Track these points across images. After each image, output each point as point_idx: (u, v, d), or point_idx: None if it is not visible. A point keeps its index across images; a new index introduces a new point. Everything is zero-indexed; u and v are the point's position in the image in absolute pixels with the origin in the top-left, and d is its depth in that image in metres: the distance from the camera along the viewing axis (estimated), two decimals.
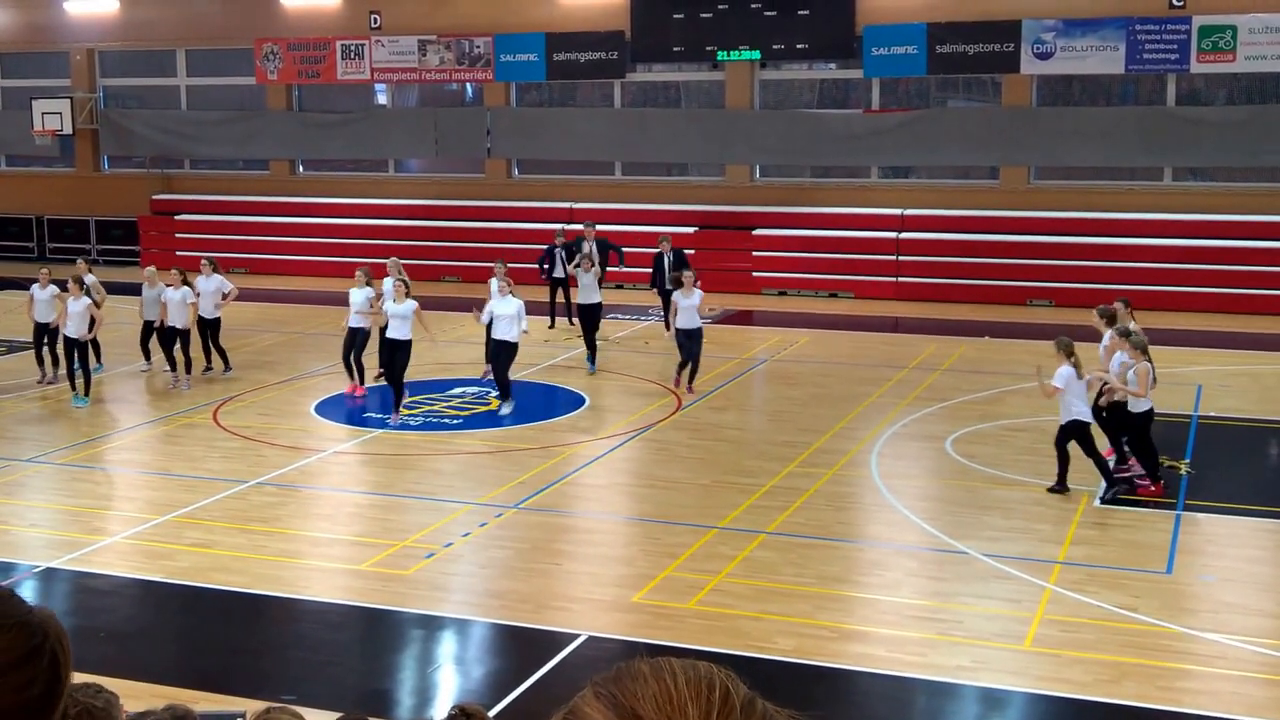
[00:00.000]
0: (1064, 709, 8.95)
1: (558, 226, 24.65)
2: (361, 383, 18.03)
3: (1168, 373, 19.01)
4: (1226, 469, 14.59)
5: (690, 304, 17.88)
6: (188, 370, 18.83)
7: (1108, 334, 14.02)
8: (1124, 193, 25.95)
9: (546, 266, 22.32)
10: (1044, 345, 21.17)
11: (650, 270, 21.85)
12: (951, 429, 16.01)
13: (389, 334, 16.90)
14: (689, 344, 17.90)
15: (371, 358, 18.12)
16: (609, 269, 22.34)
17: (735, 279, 26.31)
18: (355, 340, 17.92)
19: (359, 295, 17.89)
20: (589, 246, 21.65)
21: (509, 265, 18.34)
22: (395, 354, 16.79)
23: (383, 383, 17.57)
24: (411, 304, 16.88)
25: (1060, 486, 13.30)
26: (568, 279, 21.87)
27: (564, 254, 22.13)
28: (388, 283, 18.13)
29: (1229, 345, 21.23)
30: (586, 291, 19.64)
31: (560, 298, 22.65)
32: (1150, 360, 13.27)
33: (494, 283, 17.98)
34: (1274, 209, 24.77)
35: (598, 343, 19.72)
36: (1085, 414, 13.18)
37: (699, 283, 18.45)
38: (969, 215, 26.41)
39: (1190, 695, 9.02)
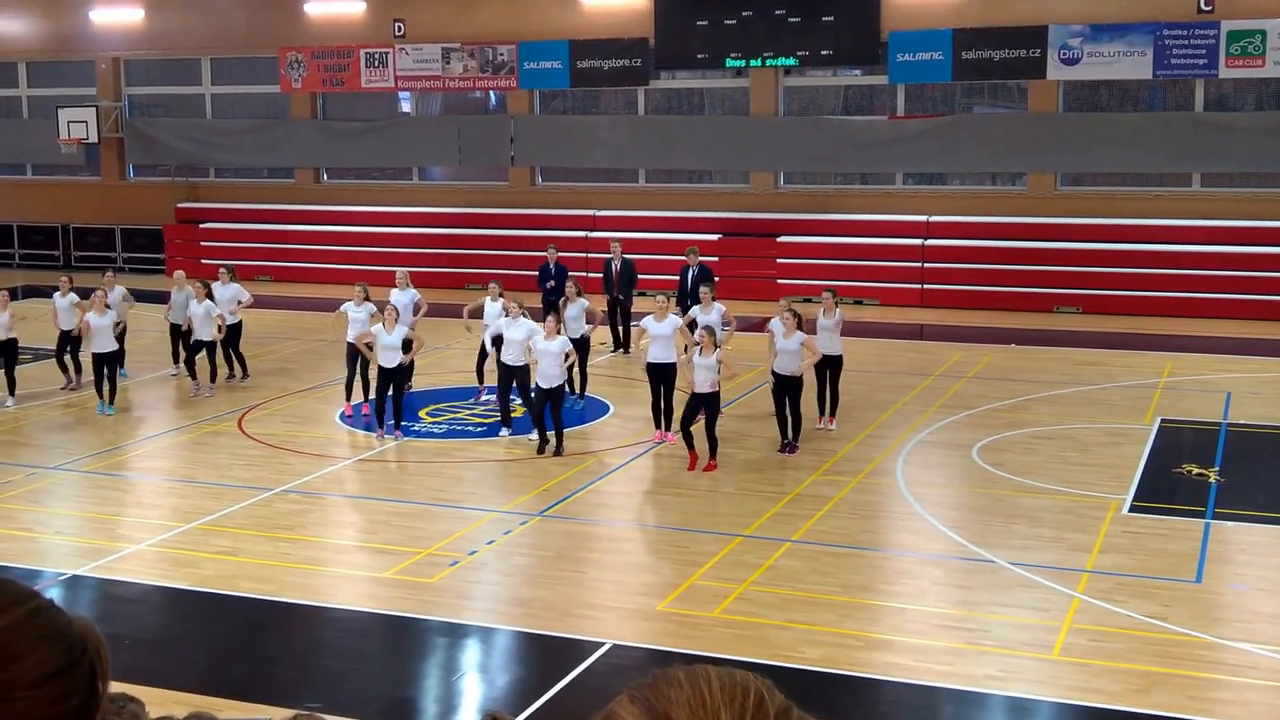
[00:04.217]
0: (1093, 719, 8.86)
1: (551, 239, 23.82)
2: (366, 399, 17.20)
3: (1196, 379, 18.92)
4: (1257, 477, 14.45)
5: (709, 321, 16.35)
6: (211, 379, 18.87)
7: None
8: (1151, 199, 25.77)
9: (549, 285, 20.51)
10: (1071, 352, 21.22)
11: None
12: (978, 437, 15.90)
13: (382, 364, 15.91)
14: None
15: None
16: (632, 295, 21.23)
17: (759, 286, 26.20)
18: (358, 358, 17.08)
19: (361, 312, 17.14)
20: (616, 265, 20.98)
21: (556, 270, 17.55)
22: (393, 380, 16.01)
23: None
24: (402, 330, 16.12)
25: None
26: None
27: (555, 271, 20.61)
28: (398, 295, 17.93)
29: (1258, 352, 21.04)
30: (573, 325, 17.31)
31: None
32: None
33: (488, 302, 17.61)
34: None
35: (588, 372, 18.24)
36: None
37: (714, 297, 17.18)
38: (995, 221, 26.28)
39: (1221, 705, 8.92)
